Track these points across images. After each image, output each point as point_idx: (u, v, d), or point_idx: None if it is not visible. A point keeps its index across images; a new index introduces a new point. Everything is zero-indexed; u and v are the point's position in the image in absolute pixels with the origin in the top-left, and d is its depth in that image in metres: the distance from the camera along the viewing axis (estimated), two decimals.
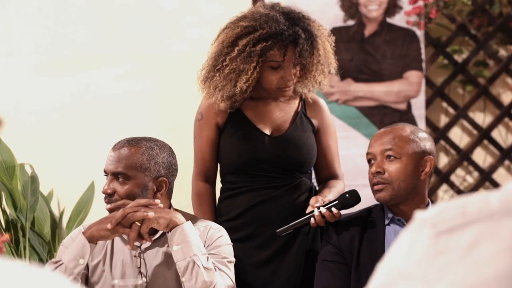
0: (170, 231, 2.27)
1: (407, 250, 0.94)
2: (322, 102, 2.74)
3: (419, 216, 0.93)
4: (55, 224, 3.53)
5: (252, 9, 2.62)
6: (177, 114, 3.78)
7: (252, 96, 2.62)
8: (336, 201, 2.44)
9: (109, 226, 2.23)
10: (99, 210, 2.99)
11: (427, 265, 0.91)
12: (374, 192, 2.42)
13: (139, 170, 2.32)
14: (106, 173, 2.36)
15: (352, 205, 2.45)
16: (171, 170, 2.38)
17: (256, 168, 2.59)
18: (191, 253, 2.24)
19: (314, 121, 2.68)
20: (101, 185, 2.40)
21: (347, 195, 2.44)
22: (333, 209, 2.41)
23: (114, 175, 2.33)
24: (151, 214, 2.25)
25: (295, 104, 2.69)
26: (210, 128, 2.64)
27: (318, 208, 2.42)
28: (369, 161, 2.47)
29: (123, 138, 2.43)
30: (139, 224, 2.24)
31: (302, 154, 2.61)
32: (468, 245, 0.90)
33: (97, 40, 3.82)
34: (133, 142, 2.36)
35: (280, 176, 2.60)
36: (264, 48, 2.49)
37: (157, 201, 2.29)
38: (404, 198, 2.40)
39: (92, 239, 2.28)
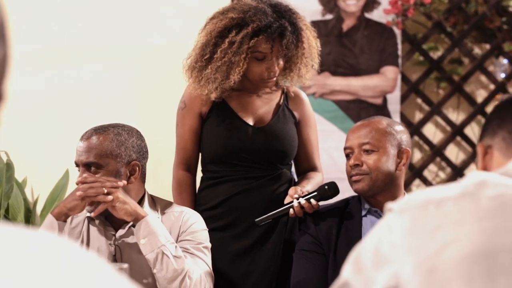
0: (134, 224, 2.28)
1: (381, 234, 1.10)
2: (303, 95, 2.76)
3: (388, 205, 1.12)
4: (29, 212, 3.50)
5: (241, 0, 2.64)
6: (155, 106, 3.78)
7: (235, 87, 2.64)
8: (315, 193, 2.46)
9: (78, 193, 2.24)
10: None
11: (399, 246, 1.07)
12: (352, 183, 2.44)
13: (110, 157, 2.30)
14: (77, 165, 2.33)
15: (331, 197, 2.47)
16: (142, 153, 2.38)
17: (238, 158, 2.60)
18: (159, 244, 2.25)
19: (296, 114, 2.70)
20: (76, 173, 2.39)
21: (326, 187, 2.47)
22: (312, 200, 2.43)
23: (86, 166, 2.31)
24: (120, 183, 2.28)
25: (277, 96, 2.70)
26: (193, 117, 2.64)
27: (297, 198, 2.44)
28: (347, 155, 2.49)
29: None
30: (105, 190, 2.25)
31: (284, 145, 2.63)
32: (432, 228, 1.06)
33: (75, 32, 3.80)
34: (100, 130, 2.34)
35: (262, 167, 2.61)
36: (255, 41, 2.50)
37: (124, 182, 2.30)
38: (381, 189, 2.43)
39: (60, 215, 2.29)
